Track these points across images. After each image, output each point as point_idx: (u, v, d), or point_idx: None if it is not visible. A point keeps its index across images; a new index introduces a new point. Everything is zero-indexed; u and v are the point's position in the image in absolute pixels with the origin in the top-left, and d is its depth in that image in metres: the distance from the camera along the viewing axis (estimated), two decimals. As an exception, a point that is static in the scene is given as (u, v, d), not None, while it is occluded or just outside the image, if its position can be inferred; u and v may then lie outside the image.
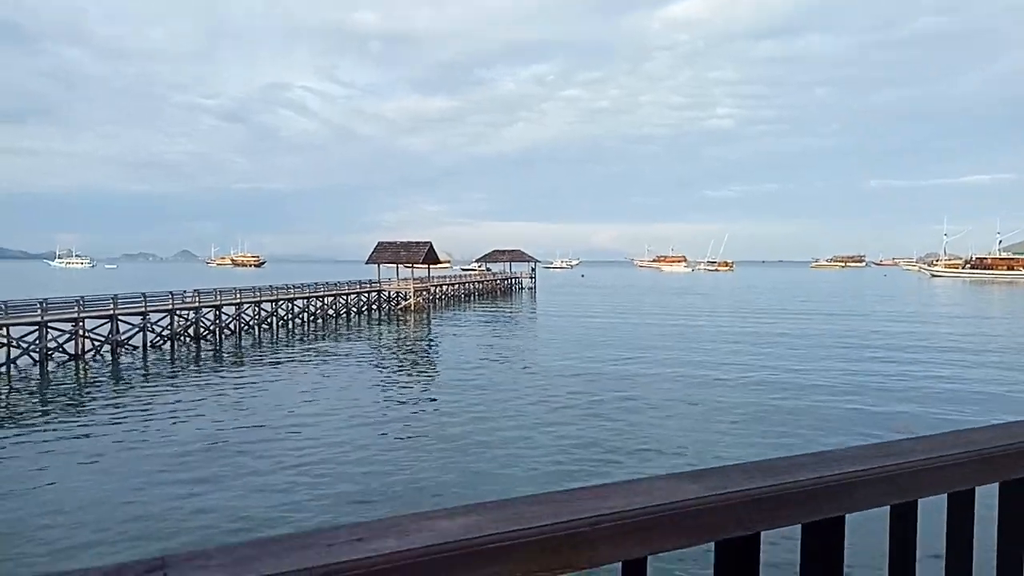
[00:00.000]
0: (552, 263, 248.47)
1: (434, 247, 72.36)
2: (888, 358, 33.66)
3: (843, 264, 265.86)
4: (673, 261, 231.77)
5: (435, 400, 25.08)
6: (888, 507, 1.32)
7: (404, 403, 24.65)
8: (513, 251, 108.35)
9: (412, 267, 69.39)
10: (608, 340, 41.66)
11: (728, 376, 28.70)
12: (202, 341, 42.94)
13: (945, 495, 1.39)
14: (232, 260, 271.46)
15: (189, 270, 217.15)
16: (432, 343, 44.06)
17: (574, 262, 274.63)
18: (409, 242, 72.16)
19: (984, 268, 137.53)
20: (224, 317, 46.26)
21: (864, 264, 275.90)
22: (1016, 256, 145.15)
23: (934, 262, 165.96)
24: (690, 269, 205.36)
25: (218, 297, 46.49)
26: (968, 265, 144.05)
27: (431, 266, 73.27)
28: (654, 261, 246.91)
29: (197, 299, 44.77)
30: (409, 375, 31.11)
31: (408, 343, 43.94)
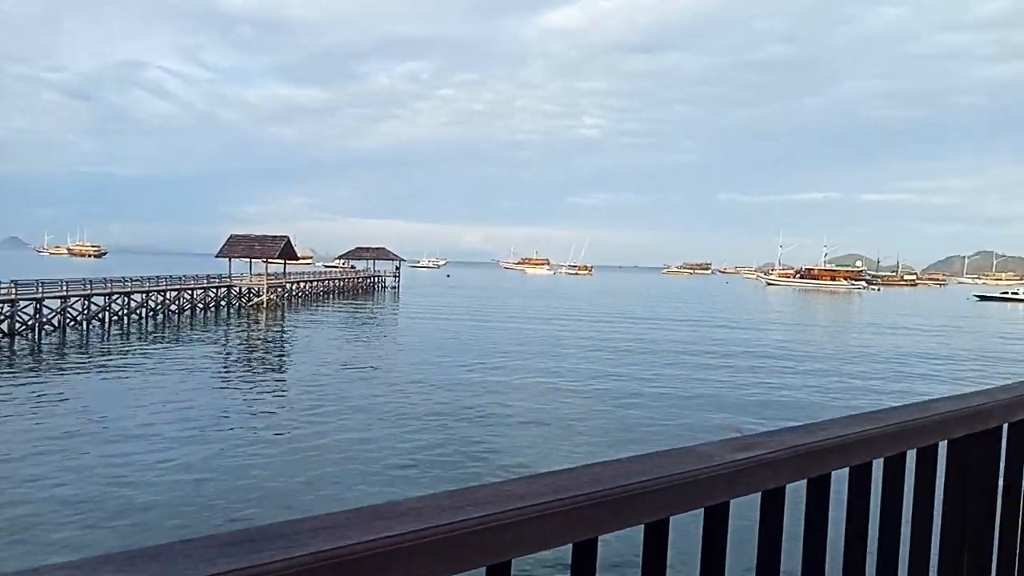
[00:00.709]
0: (419, 262, 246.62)
1: (293, 242, 69.56)
2: (724, 365, 36.12)
3: (691, 271, 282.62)
4: (537, 264, 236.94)
5: (273, 413, 23.85)
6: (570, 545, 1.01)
7: (238, 415, 23.29)
8: (378, 248, 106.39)
9: (268, 262, 66.31)
10: (465, 346, 41.71)
11: (576, 385, 29.53)
12: (17, 337, 38.71)
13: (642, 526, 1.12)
14: (68, 249, 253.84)
15: (15, 259, 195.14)
16: (281, 345, 42.25)
17: (441, 262, 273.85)
18: (264, 236, 68.95)
19: (812, 278, 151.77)
20: (46, 312, 41.96)
21: (710, 272, 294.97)
22: (838, 268, 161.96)
23: (769, 271, 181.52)
24: (552, 272, 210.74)
25: (39, 289, 42.13)
26: (798, 275, 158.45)
27: (290, 262, 70.44)
28: (519, 263, 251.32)
29: (13, 291, 40.30)
30: (249, 382, 29.55)
31: (255, 344, 41.84)
